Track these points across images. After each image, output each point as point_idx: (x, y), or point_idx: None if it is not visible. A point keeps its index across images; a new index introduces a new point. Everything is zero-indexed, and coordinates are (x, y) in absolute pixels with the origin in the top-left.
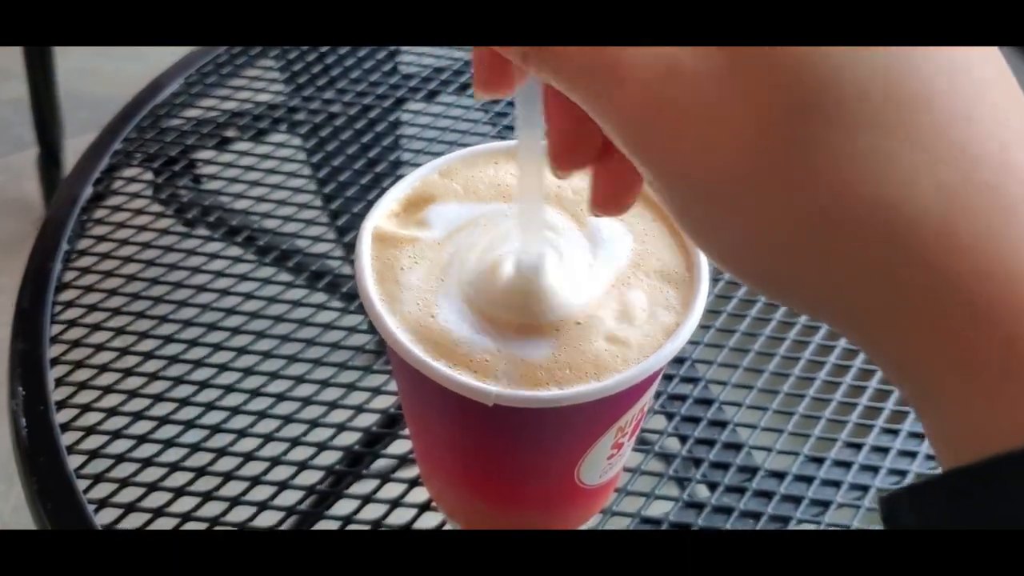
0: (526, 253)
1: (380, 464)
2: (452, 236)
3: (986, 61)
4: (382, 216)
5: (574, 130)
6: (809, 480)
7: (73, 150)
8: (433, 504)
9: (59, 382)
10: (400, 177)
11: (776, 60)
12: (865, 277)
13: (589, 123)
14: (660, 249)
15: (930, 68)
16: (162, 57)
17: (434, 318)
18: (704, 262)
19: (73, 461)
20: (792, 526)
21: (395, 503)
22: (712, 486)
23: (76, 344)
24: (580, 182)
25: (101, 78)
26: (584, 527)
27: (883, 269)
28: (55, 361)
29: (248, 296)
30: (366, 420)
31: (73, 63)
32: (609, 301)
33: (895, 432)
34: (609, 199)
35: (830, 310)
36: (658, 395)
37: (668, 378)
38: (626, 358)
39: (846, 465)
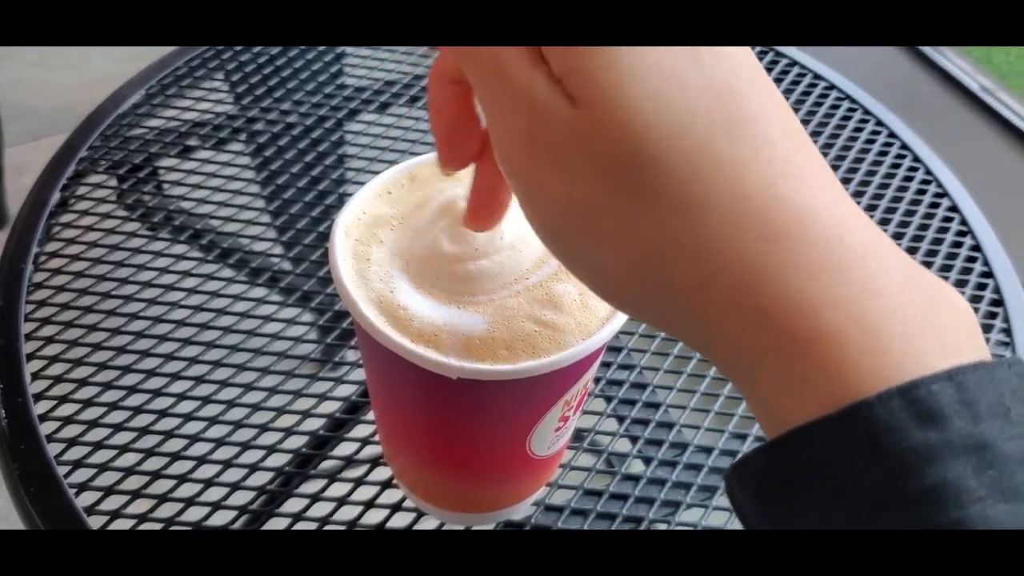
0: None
1: (344, 448)
2: (414, 212)
3: (760, 92)
4: (365, 200)
5: (457, 137)
6: (733, 454)
7: (11, 160)
8: (395, 481)
9: (35, 376)
10: (355, 183)
11: (585, 145)
12: (683, 305)
13: (469, 133)
14: None
15: (716, 130)
16: (97, 69)
17: (392, 293)
18: None
19: (52, 449)
20: (718, 496)
21: (359, 482)
22: (647, 460)
23: (50, 340)
24: None
25: (36, 89)
26: (533, 498)
27: (694, 295)
28: (30, 356)
29: (213, 295)
30: (331, 406)
31: (7, 73)
32: (536, 290)
33: None
34: (479, 213)
35: (669, 327)
36: (597, 380)
37: (606, 365)
38: (557, 340)
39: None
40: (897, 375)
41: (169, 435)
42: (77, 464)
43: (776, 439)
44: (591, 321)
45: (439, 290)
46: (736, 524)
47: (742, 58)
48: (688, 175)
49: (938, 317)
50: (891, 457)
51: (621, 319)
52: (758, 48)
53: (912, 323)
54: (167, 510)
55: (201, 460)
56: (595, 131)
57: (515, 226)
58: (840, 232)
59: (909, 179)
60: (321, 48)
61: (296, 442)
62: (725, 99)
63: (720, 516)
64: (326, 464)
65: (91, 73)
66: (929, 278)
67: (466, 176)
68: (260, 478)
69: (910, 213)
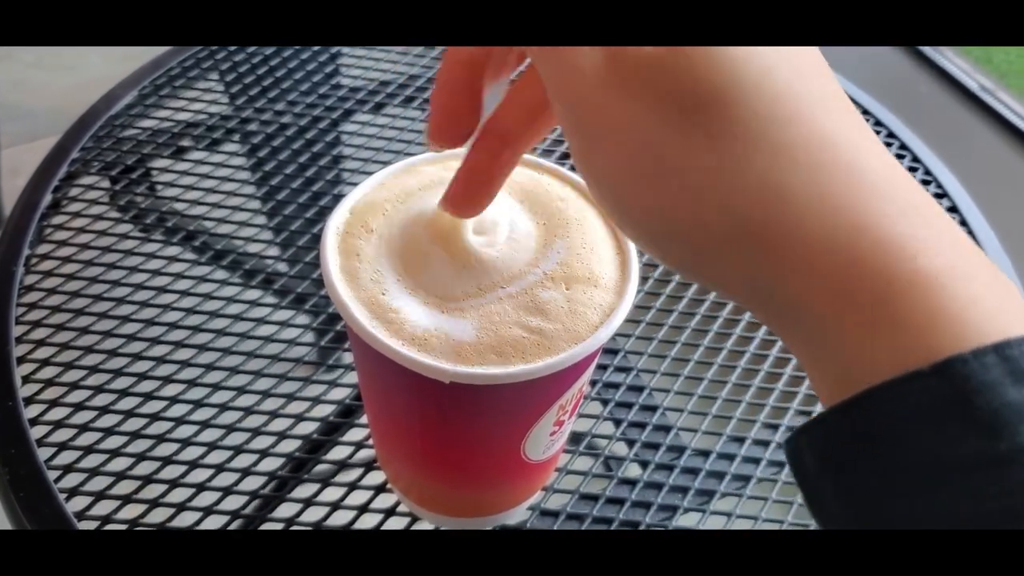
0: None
1: (337, 452)
2: (407, 196)
3: (815, 65)
4: (357, 200)
5: (455, 109)
6: (731, 457)
7: (7, 161)
8: (388, 486)
9: (26, 379)
10: (350, 184)
11: (668, 79)
12: (759, 249)
13: (468, 108)
14: (592, 261)
15: (801, 78)
16: (94, 69)
17: (384, 295)
18: (635, 261)
19: (43, 453)
20: (716, 499)
21: (352, 486)
22: (644, 464)
23: (41, 343)
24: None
25: (32, 90)
26: (528, 502)
27: (777, 237)
28: (21, 360)
29: (206, 297)
30: (325, 410)
31: (4, 75)
32: (521, 297)
33: (808, 413)
34: (462, 198)
35: (730, 278)
36: (594, 383)
37: (602, 368)
38: (546, 347)
39: (764, 444)
40: (993, 329)
41: (161, 439)
42: (68, 468)
43: (857, 396)
44: (580, 327)
45: (427, 291)
46: (733, 526)
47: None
48: (774, 116)
49: (1004, 282)
50: (983, 415)
51: (616, 322)
52: None
53: (993, 281)
54: (159, 515)
55: (193, 464)
56: (682, 64)
57: (503, 230)
58: (915, 193)
59: None
60: (316, 48)
61: (289, 446)
62: (804, 53)
63: (717, 520)
64: (319, 468)
65: (88, 74)
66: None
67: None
68: (253, 482)
69: None
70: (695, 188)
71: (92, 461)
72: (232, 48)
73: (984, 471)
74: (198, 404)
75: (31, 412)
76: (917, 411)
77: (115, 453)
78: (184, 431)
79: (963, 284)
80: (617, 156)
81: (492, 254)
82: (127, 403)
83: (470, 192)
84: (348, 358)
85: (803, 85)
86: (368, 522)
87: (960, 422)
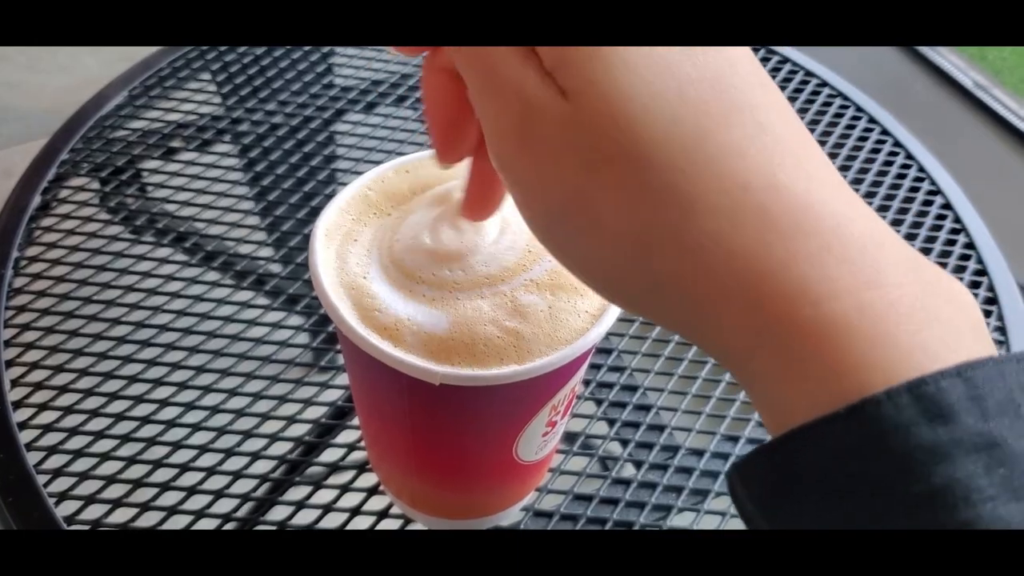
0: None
1: (329, 455)
2: (406, 200)
3: (756, 84)
4: (348, 199)
5: (455, 129)
6: (725, 456)
7: (1, 162)
8: (381, 488)
9: (15, 383)
10: (342, 184)
11: (576, 140)
12: (678, 298)
13: (466, 124)
14: None
15: (710, 121)
16: (87, 71)
17: (365, 279)
18: None
19: (32, 457)
20: (711, 499)
21: (345, 488)
22: (638, 464)
23: (30, 347)
24: None
25: (25, 91)
26: (521, 503)
27: (690, 288)
28: (9, 363)
29: (197, 299)
30: (318, 411)
31: None
32: (500, 297)
33: None
34: (475, 203)
35: (665, 321)
36: (587, 383)
37: (596, 367)
38: (521, 349)
39: (758, 443)
40: (905, 369)
41: (152, 442)
42: (57, 473)
43: (778, 439)
44: (561, 332)
45: (407, 280)
46: (727, 525)
47: (738, 54)
48: (679, 168)
49: (941, 308)
50: (899, 456)
51: (609, 320)
52: None
53: (917, 314)
54: (149, 518)
55: (184, 467)
56: (585, 124)
57: (495, 229)
58: (840, 222)
59: (902, 176)
60: (307, 48)
61: (281, 448)
62: (719, 90)
63: (711, 520)
64: (312, 470)
65: (81, 75)
66: (931, 268)
67: (464, 169)
68: (244, 485)
69: (903, 211)
70: (612, 244)
71: (82, 465)
72: (223, 48)
73: (903, 514)
74: (189, 407)
75: (20, 416)
76: (834, 454)
77: (105, 456)
78: (175, 434)
79: (875, 324)
80: (542, 211)
81: (480, 253)
82: (117, 406)
83: (481, 198)
84: (341, 359)
85: (716, 120)
86: (361, 525)
87: (877, 464)
